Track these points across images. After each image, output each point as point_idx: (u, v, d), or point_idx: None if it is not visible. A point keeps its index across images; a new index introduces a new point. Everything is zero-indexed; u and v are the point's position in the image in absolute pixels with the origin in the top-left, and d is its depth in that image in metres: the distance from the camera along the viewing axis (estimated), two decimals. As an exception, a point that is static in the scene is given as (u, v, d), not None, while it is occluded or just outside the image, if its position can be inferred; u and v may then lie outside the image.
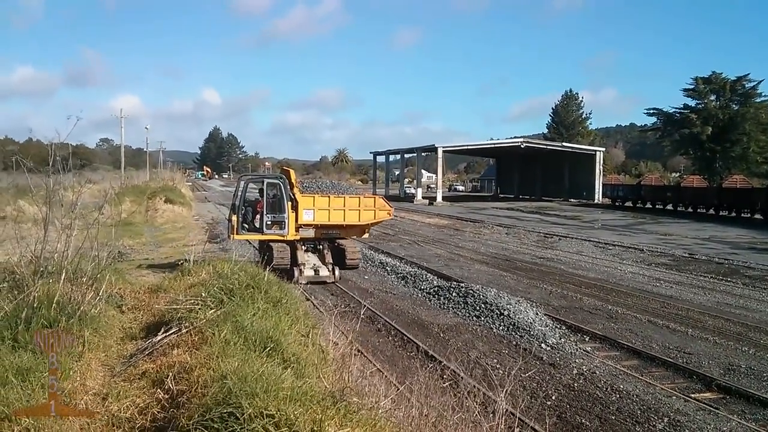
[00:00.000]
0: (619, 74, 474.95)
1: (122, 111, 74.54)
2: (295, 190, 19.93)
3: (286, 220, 19.59)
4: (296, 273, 19.28)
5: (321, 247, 20.86)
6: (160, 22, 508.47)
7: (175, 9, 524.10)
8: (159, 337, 8.04)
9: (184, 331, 7.87)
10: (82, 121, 10.60)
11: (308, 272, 19.58)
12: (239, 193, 19.80)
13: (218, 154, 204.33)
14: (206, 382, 5.65)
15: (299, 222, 19.82)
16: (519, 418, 7.17)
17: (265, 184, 20.11)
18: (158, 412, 5.97)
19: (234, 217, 19.60)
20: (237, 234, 19.70)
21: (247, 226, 19.77)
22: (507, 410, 6.31)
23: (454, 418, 6.17)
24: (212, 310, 8.16)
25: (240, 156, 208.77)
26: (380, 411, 5.91)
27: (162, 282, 13.24)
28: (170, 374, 6.53)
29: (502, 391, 6.17)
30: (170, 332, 8.04)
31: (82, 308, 8.63)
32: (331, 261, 20.27)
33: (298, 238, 20.09)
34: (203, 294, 8.81)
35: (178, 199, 49.23)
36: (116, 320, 9.98)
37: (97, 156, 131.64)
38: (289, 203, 19.59)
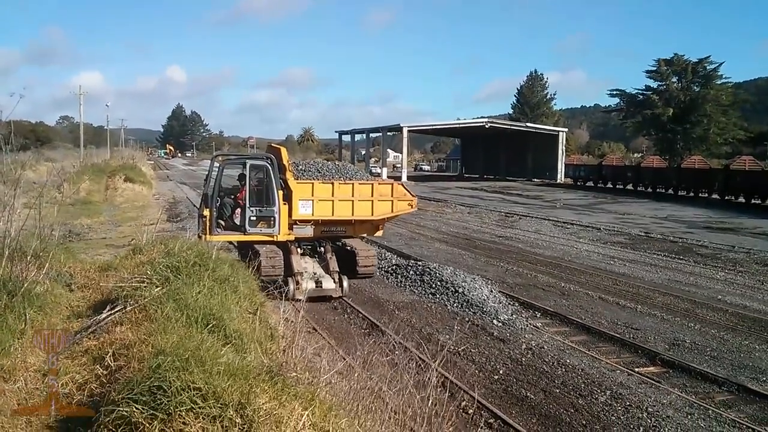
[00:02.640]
0: (589, 56, 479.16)
1: (81, 88, 72.79)
2: (288, 174, 15.76)
3: (277, 215, 15.60)
4: (291, 285, 14.92)
5: (322, 249, 16.49)
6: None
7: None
8: (104, 315, 7.99)
9: (128, 308, 7.84)
10: (43, 99, 10.79)
11: (307, 284, 15.13)
12: (213, 179, 15.68)
13: (181, 132, 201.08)
14: (143, 358, 5.69)
15: (294, 217, 15.78)
16: (452, 381, 7.38)
17: (247, 167, 15.80)
18: (96, 387, 6.02)
19: (207, 212, 15.48)
20: (210, 234, 15.28)
21: (223, 223, 15.80)
22: (444, 378, 6.47)
23: (393, 389, 6.30)
24: (157, 288, 8.15)
25: (204, 134, 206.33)
26: (322, 384, 6.01)
27: (114, 260, 13.12)
28: (110, 351, 6.55)
29: (435, 362, 6.33)
30: (115, 310, 8.00)
31: (26, 286, 8.53)
32: (336, 269, 15.85)
33: (292, 238, 16.00)
34: (149, 272, 8.79)
35: (138, 178, 48.73)
36: (64, 298, 9.88)
37: (58, 134, 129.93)
38: (280, 192, 15.59)
